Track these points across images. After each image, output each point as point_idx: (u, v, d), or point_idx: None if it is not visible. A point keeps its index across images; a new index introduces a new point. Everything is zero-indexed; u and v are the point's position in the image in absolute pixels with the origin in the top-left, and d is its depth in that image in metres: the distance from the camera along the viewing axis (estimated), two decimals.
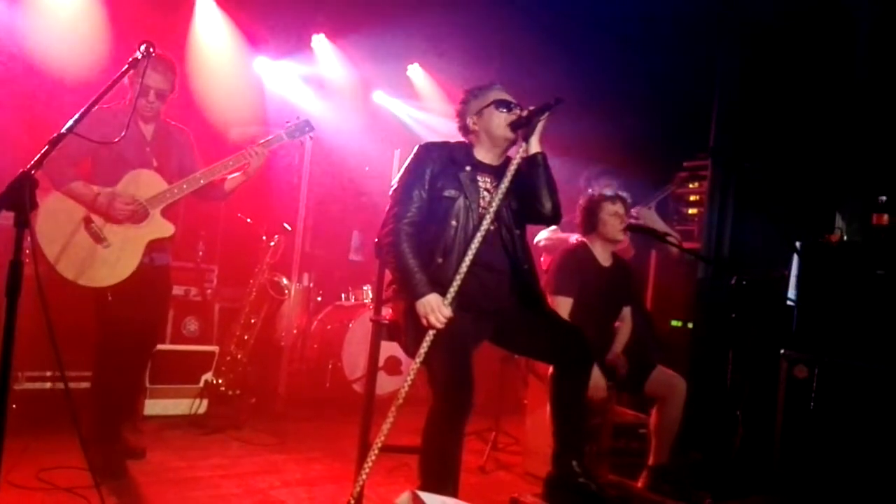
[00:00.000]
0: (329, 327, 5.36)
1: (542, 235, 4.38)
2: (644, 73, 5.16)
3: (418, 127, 6.76)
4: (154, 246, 3.30)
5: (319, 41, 6.03)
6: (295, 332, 5.27)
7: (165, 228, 3.32)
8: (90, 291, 3.18)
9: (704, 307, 4.28)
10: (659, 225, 4.25)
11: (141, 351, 3.52)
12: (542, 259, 4.25)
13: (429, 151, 2.79)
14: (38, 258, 2.95)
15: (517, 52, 5.54)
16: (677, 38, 4.87)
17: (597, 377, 3.30)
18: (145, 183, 3.28)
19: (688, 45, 4.79)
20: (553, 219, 2.86)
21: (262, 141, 3.46)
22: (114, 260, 3.19)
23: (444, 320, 2.55)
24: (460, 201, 2.72)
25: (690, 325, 4.49)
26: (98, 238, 3.17)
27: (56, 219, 3.14)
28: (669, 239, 3.90)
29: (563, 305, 3.47)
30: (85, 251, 3.15)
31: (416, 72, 6.57)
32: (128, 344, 3.32)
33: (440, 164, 2.76)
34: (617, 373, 3.54)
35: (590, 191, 4.27)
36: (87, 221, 3.17)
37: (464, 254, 2.63)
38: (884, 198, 3.39)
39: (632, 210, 4.03)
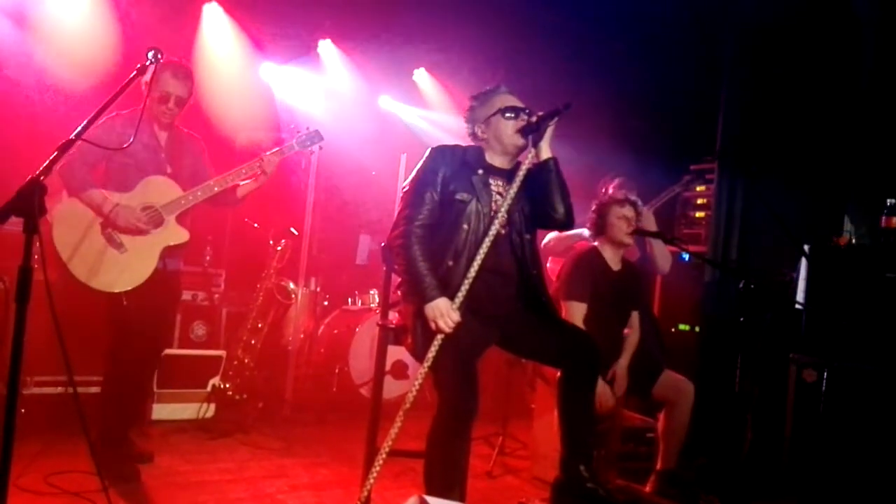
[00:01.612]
0: (336, 332, 5.36)
1: (550, 237, 4.37)
2: (650, 77, 5.15)
3: (424, 132, 6.77)
4: (168, 251, 3.32)
5: (326, 46, 6.05)
6: (302, 336, 5.27)
7: (181, 235, 3.34)
8: (104, 296, 3.20)
9: (712, 311, 4.27)
10: (650, 228, 4.23)
11: (152, 354, 3.55)
12: (548, 263, 4.24)
13: (442, 154, 2.78)
14: (50, 263, 2.97)
15: (523, 56, 5.54)
16: (684, 42, 4.87)
17: (604, 386, 3.29)
18: (161, 189, 3.30)
19: (694, 49, 4.79)
20: (566, 223, 2.85)
21: (273, 150, 3.50)
22: (130, 264, 3.22)
23: (452, 325, 2.54)
24: (472, 205, 2.71)
25: (698, 329, 4.48)
26: (115, 243, 3.20)
27: (72, 222, 3.17)
28: (675, 241, 3.89)
29: (576, 311, 3.45)
30: (99, 254, 3.17)
31: (422, 76, 6.58)
32: (140, 347, 3.35)
33: (453, 167, 2.75)
34: (615, 390, 3.45)
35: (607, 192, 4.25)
36: (104, 226, 3.20)
37: (474, 257, 2.62)
38: (892, 200, 3.39)
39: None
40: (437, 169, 2.73)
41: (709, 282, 4.33)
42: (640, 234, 3.81)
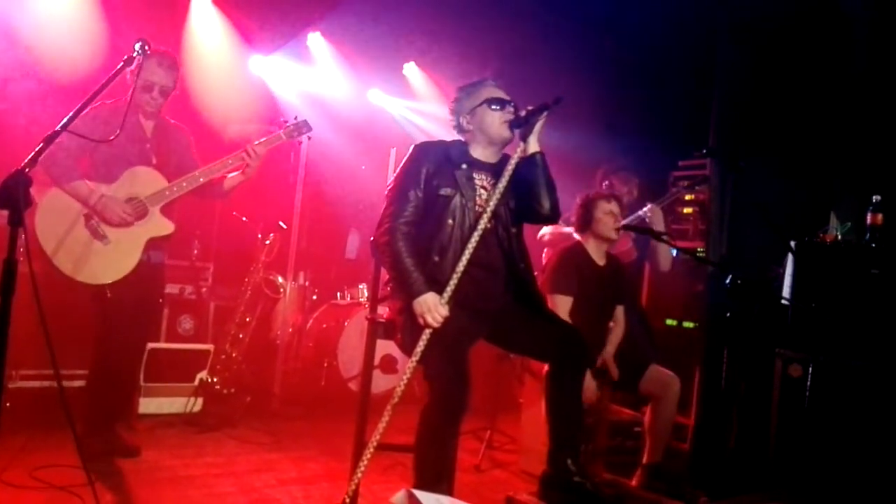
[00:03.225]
0: (324, 326, 5.36)
1: (546, 230, 4.37)
2: (641, 72, 5.16)
3: (414, 125, 6.76)
4: (152, 244, 3.30)
5: (315, 39, 6.02)
6: (290, 330, 5.26)
7: (165, 226, 3.32)
8: (89, 288, 3.17)
9: (711, 306, 4.26)
10: (658, 226, 4.24)
11: (137, 347, 3.53)
12: (544, 253, 4.24)
13: (424, 151, 2.80)
14: (34, 255, 2.95)
15: (514, 51, 5.54)
16: (674, 38, 4.88)
17: (588, 379, 3.30)
18: (145, 180, 3.28)
19: (684, 45, 4.80)
20: (551, 218, 2.86)
21: (260, 140, 3.47)
22: (113, 257, 3.20)
23: (440, 319, 2.55)
24: (456, 199, 2.72)
25: (686, 325, 4.49)
26: (98, 235, 3.18)
27: (55, 214, 3.14)
28: (665, 238, 3.90)
29: (562, 304, 3.47)
30: (83, 246, 3.15)
31: (411, 70, 6.56)
32: (124, 340, 3.33)
33: (436, 162, 2.75)
34: (609, 375, 3.53)
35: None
36: (88, 218, 3.18)
37: (460, 252, 2.62)
38: (878, 197, 3.41)
39: (644, 208, 4.03)
40: (419, 166, 2.74)
41: (711, 276, 4.32)
42: (627, 229, 3.82)
